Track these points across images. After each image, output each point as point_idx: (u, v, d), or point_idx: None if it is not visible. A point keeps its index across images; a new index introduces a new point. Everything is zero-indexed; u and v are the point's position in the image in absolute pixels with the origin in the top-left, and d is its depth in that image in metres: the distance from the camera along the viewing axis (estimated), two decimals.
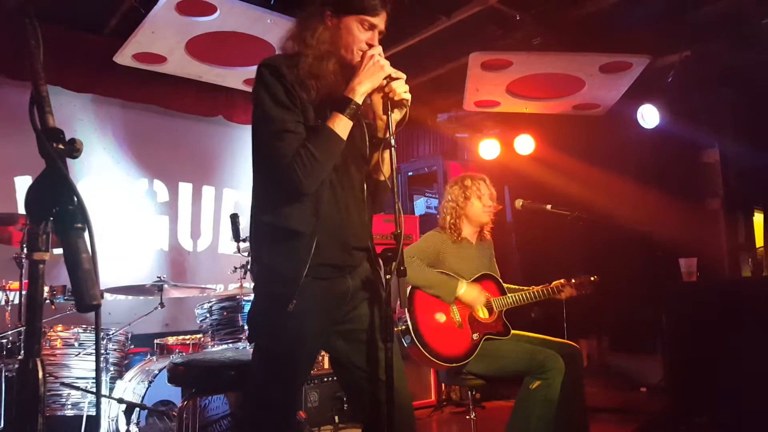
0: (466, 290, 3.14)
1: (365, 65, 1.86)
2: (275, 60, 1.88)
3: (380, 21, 1.93)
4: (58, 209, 0.88)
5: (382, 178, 2.03)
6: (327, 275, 1.88)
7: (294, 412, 1.98)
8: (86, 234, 0.90)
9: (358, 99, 1.85)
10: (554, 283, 3.31)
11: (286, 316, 1.79)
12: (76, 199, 0.89)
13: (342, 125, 1.83)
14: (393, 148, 1.85)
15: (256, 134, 1.89)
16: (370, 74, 1.85)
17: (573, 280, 3.30)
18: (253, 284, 1.96)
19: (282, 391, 1.90)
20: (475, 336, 3.10)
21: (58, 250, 0.96)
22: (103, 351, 3.79)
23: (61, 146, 0.91)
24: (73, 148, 0.91)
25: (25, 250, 3.69)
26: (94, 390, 3.67)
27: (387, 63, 1.87)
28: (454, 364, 3.06)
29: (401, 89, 1.87)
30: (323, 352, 3.35)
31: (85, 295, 0.84)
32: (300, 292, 1.80)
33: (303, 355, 1.91)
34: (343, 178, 1.94)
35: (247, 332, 3.82)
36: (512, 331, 3.23)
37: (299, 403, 2.00)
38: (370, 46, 1.91)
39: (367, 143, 1.99)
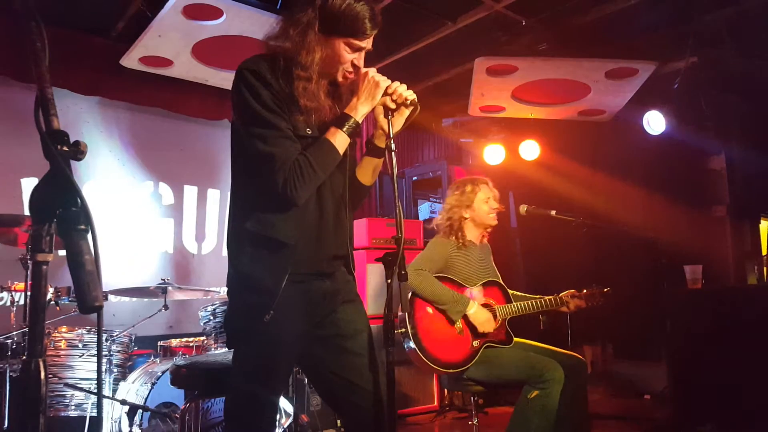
0: (477, 311, 3.09)
1: (363, 86, 1.87)
2: (258, 65, 1.82)
3: (368, 43, 1.91)
4: (61, 211, 0.88)
5: (368, 184, 2.07)
6: (303, 279, 1.87)
7: (273, 417, 1.95)
8: (89, 236, 0.90)
9: (359, 118, 1.86)
10: (563, 294, 3.28)
11: (264, 323, 1.78)
12: (79, 201, 0.89)
13: (341, 141, 1.85)
14: (394, 153, 1.87)
15: (245, 137, 1.82)
16: (369, 95, 1.86)
17: (584, 291, 3.27)
18: (226, 290, 1.93)
19: (260, 396, 1.87)
20: (476, 343, 3.09)
21: (63, 252, 0.96)
22: (106, 352, 3.80)
23: (65, 148, 0.92)
24: (77, 150, 0.92)
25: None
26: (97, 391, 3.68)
27: (383, 78, 1.88)
28: (452, 370, 3.05)
29: (405, 92, 1.88)
30: None
31: (87, 297, 0.85)
32: (277, 299, 1.78)
33: (282, 361, 1.90)
34: (327, 186, 1.92)
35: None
36: (516, 339, 3.21)
37: (277, 408, 1.97)
38: (356, 66, 1.91)
39: (348, 151, 1.96)
